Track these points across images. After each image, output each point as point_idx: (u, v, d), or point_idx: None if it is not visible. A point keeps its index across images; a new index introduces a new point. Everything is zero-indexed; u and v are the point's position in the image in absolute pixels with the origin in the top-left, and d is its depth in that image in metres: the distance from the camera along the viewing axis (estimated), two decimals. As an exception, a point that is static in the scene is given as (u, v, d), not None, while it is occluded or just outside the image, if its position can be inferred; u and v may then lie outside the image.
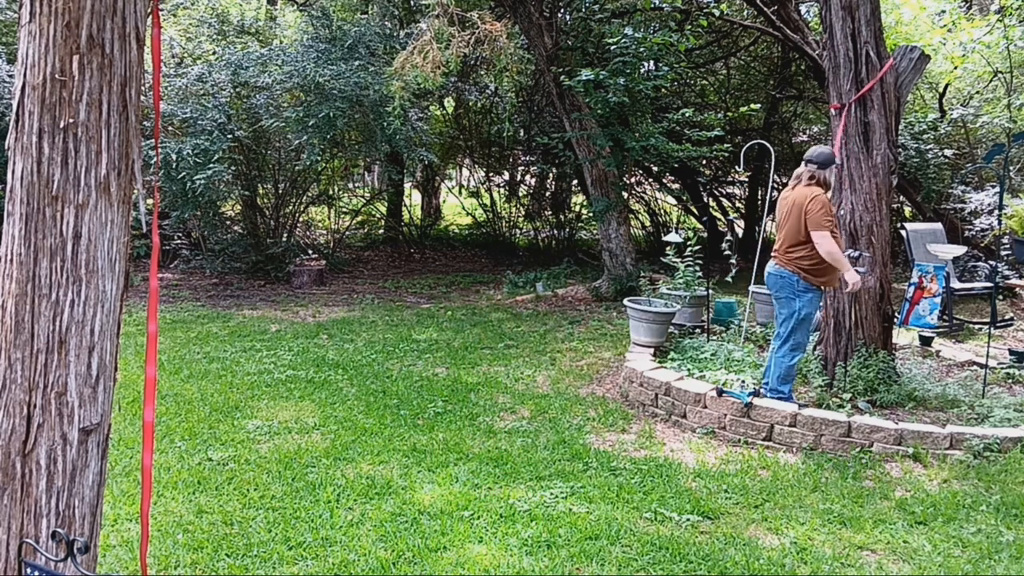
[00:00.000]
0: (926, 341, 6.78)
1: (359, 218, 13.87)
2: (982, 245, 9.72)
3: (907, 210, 12.30)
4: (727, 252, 6.74)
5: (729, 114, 11.92)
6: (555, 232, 13.91)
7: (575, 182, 13.39)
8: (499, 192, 14.71)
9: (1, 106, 8.59)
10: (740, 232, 14.32)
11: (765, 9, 10.01)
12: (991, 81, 10.71)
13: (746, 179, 14.40)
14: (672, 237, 6.96)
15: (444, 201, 17.14)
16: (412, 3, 11.98)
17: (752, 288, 6.83)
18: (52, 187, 1.74)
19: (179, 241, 11.18)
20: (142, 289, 9.24)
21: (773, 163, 7.19)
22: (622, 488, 4.17)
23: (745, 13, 12.06)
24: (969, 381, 5.61)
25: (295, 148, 10.09)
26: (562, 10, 10.15)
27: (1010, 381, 5.86)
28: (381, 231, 14.22)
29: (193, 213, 9.52)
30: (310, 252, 11.37)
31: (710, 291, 6.97)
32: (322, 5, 10.80)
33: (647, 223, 14.69)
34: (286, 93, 9.77)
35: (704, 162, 13.45)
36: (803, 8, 11.17)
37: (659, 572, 3.36)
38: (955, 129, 10.72)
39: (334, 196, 12.92)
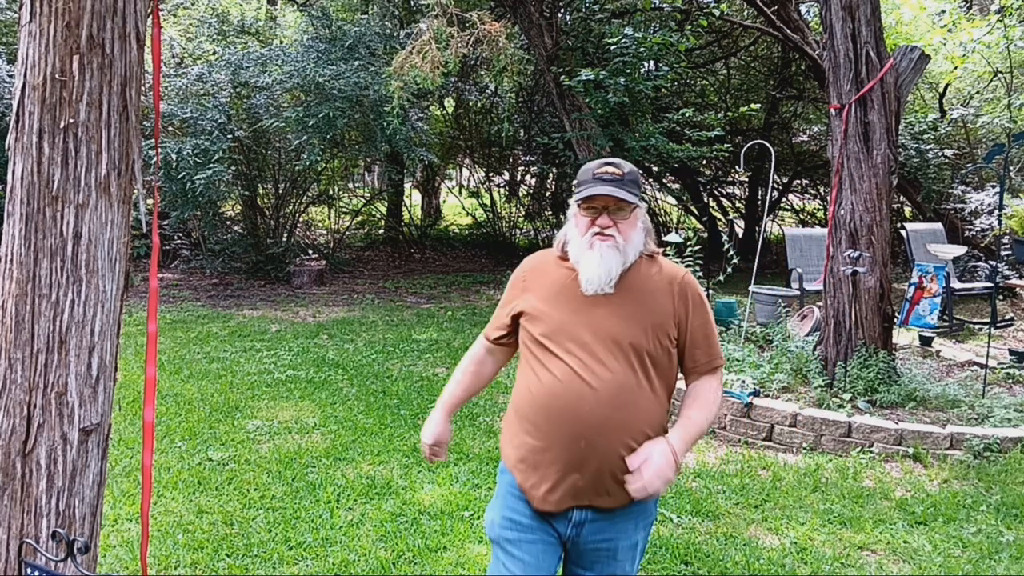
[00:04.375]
0: (926, 341, 6.77)
1: (359, 218, 13.87)
2: (982, 245, 9.72)
3: (907, 210, 12.30)
4: (730, 252, 6.74)
5: (729, 114, 11.92)
6: (555, 232, 13.86)
7: (575, 182, 13.36)
8: (499, 192, 14.71)
9: (1, 106, 8.59)
10: (740, 232, 14.33)
11: (765, 9, 10.01)
12: (991, 81, 10.71)
13: (746, 179, 14.40)
14: (672, 237, 6.95)
15: (444, 201, 17.13)
16: (412, 3, 11.97)
17: (752, 288, 6.83)
18: (52, 187, 1.73)
19: (179, 241, 11.17)
20: (142, 289, 9.23)
21: (773, 163, 7.19)
22: (622, 488, 4.16)
23: (745, 13, 12.06)
24: (969, 381, 5.61)
25: (295, 148, 10.08)
26: (562, 10, 10.14)
27: (1010, 381, 5.86)
28: (381, 231, 14.21)
29: (193, 213, 9.50)
30: (310, 252, 11.37)
31: (710, 291, 6.96)
32: (322, 5, 10.80)
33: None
34: (286, 93, 9.76)
35: (704, 162, 13.44)
36: (803, 8, 11.17)
37: (659, 572, 3.36)
38: (955, 129, 10.72)
39: (334, 196, 12.91)
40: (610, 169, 2.19)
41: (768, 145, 7.46)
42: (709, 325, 2.17)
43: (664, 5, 9.79)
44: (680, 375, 2.20)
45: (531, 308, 2.19)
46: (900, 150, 8.06)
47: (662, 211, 14.99)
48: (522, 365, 2.22)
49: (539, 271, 2.27)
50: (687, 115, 8.98)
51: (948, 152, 10.31)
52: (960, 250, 6.91)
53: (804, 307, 7.39)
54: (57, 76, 1.71)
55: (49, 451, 1.77)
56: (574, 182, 2.24)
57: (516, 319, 2.25)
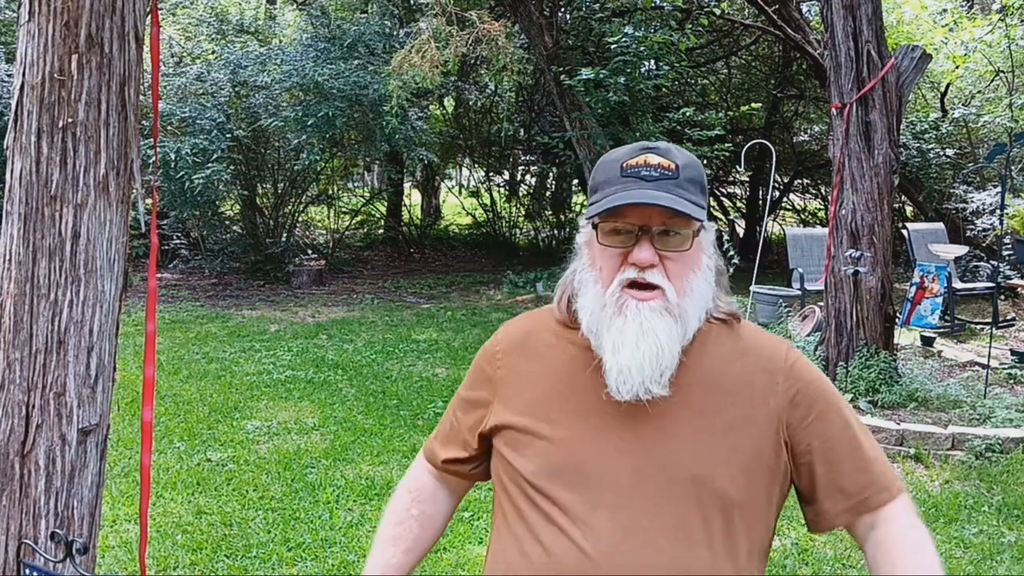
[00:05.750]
0: (928, 341, 6.76)
1: (359, 218, 13.85)
2: (984, 245, 9.71)
3: (909, 210, 12.29)
4: (731, 253, 6.73)
5: (730, 113, 11.90)
6: (555, 232, 13.90)
7: (575, 182, 13.38)
8: (499, 192, 14.70)
9: (0, 105, 8.57)
10: (741, 232, 14.33)
11: (766, 8, 10.00)
12: (993, 80, 10.70)
13: (747, 179, 14.40)
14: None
15: (444, 201, 17.12)
16: (411, 2, 11.95)
17: (753, 288, 6.82)
18: (51, 187, 1.72)
19: (178, 241, 11.15)
20: (141, 289, 9.22)
21: (774, 163, 7.18)
22: (623, 489, 4.15)
23: (746, 12, 12.05)
24: (971, 381, 5.60)
25: (294, 148, 10.07)
26: (562, 9, 10.13)
27: (1012, 381, 5.85)
28: (381, 231, 14.20)
29: (192, 213, 9.48)
30: (309, 252, 11.35)
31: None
32: (321, 4, 10.78)
33: (647, 223, 14.66)
34: (285, 92, 9.75)
35: (705, 161, 13.43)
36: (804, 7, 11.15)
37: (660, 573, 3.35)
38: (957, 128, 10.71)
39: (334, 196, 12.90)
40: (653, 159, 1.16)
41: (769, 145, 7.45)
42: (855, 430, 1.25)
43: (664, 4, 9.77)
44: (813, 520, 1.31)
45: (515, 421, 1.24)
46: (901, 149, 8.05)
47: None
48: (499, 524, 1.32)
49: (528, 351, 1.31)
50: (688, 114, 8.97)
51: (950, 152, 10.31)
52: (962, 250, 6.91)
53: (805, 307, 7.38)
54: (56, 75, 1.70)
55: (48, 452, 1.76)
56: (590, 183, 1.23)
57: (488, 438, 1.30)
